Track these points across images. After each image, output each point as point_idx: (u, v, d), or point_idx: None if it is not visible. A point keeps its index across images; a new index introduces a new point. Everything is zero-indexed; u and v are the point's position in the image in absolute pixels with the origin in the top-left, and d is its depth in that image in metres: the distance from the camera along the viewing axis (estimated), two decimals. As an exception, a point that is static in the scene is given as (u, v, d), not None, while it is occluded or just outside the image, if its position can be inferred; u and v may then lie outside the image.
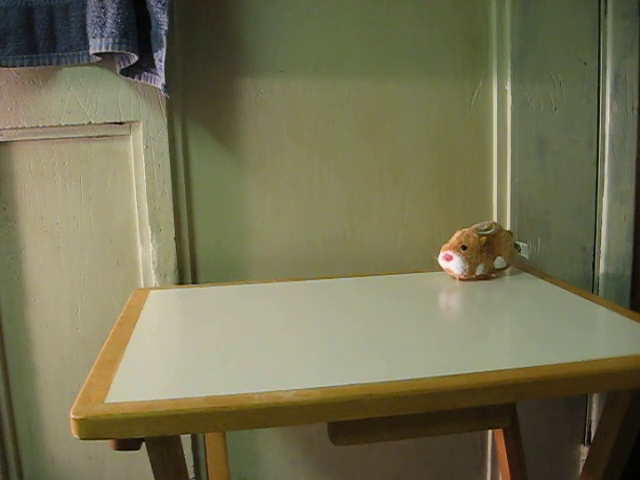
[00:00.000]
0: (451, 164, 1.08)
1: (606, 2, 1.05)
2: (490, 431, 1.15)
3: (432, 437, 1.14)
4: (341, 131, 1.05)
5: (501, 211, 1.10)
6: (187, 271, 1.03)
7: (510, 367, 0.59)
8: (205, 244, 1.04)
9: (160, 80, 0.90)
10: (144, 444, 0.57)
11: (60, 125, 0.96)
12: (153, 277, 1.01)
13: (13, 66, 0.90)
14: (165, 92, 0.90)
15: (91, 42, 0.88)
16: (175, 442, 0.63)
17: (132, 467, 1.08)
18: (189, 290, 0.96)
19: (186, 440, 1.04)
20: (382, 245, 1.09)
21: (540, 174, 1.09)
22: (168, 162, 0.99)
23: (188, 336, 0.74)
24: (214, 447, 0.98)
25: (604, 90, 1.07)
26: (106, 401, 0.54)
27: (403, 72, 1.04)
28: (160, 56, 0.88)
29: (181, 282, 1.02)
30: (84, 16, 0.89)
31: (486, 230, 0.93)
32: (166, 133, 0.98)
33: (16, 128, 0.95)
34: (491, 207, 1.10)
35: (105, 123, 0.97)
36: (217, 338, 0.71)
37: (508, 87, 1.05)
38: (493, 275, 0.95)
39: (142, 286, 1.03)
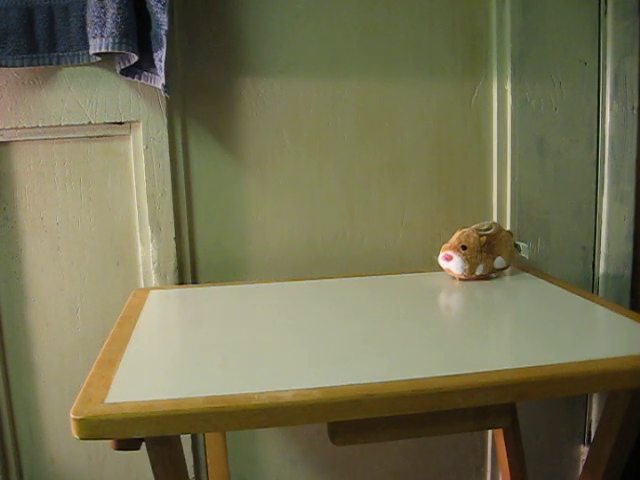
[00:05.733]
0: (451, 164, 1.08)
1: (606, 2, 1.05)
2: (490, 431, 1.16)
3: (432, 437, 1.14)
4: (341, 131, 1.05)
5: (501, 211, 1.10)
6: (187, 271, 1.03)
7: (510, 367, 0.59)
8: (205, 244, 1.04)
9: (160, 80, 0.90)
10: (144, 444, 0.57)
11: (60, 125, 0.96)
12: (153, 277, 1.01)
13: (13, 66, 0.90)
14: (165, 92, 0.90)
15: (91, 42, 0.88)
16: (175, 442, 0.63)
17: (132, 467, 1.08)
18: (189, 290, 0.96)
19: (186, 440, 1.04)
20: (382, 245, 1.09)
21: (540, 174, 1.09)
22: (168, 162, 0.99)
23: (188, 336, 0.74)
24: (214, 447, 0.98)
25: (604, 90, 1.07)
26: (106, 401, 0.54)
27: (403, 72, 1.04)
28: (160, 56, 0.88)
29: (181, 282, 1.02)
30: (84, 16, 0.89)
31: (486, 230, 0.93)
32: (166, 133, 0.98)
33: (16, 128, 0.95)
34: (491, 207, 1.10)
35: (105, 123, 0.97)
36: (217, 338, 0.71)
37: (508, 87, 1.05)
38: (493, 275, 0.95)
39: (142, 286, 1.03)
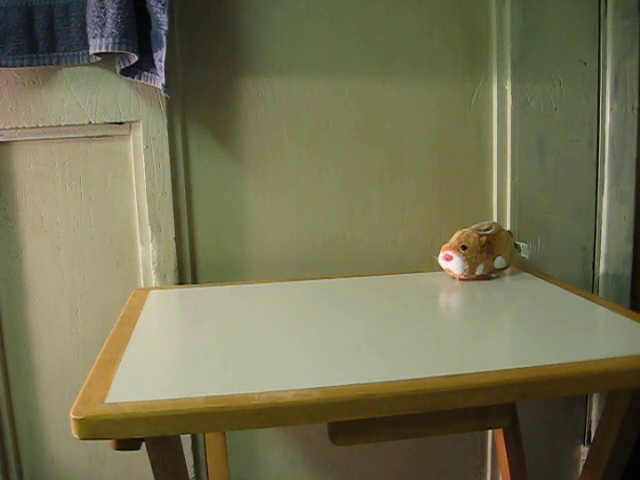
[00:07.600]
0: (451, 164, 1.08)
1: (606, 2, 1.05)
2: (490, 431, 1.16)
3: (432, 437, 1.14)
4: (341, 131, 1.05)
5: (501, 211, 1.10)
6: (187, 271, 1.03)
7: (510, 367, 0.59)
8: (205, 244, 1.04)
9: (160, 80, 0.90)
10: (144, 444, 0.57)
11: (60, 125, 0.96)
12: (153, 277, 1.01)
13: (13, 66, 0.90)
14: (165, 92, 0.90)
15: (91, 42, 0.88)
16: (175, 442, 0.63)
17: (132, 467, 1.08)
18: (189, 290, 0.96)
19: (186, 440, 1.04)
20: (382, 245, 1.09)
21: (540, 174, 1.09)
22: (168, 162, 0.99)
23: (188, 336, 0.74)
24: (214, 447, 0.98)
25: (604, 90, 1.08)
26: (106, 401, 0.54)
27: (403, 72, 1.04)
28: (160, 56, 0.88)
29: (181, 282, 1.02)
30: (84, 16, 0.89)
31: (486, 230, 0.93)
32: (166, 133, 0.98)
33: (16, 128, 0.95)
34: (491, 207, 1.10)
35: (105, 123, 0.97)
36: (217, 338, 0.71)
37: (508, 87, 1.05)
38: (493, 275, 0.95)
39: (142, 286, 1.03)
